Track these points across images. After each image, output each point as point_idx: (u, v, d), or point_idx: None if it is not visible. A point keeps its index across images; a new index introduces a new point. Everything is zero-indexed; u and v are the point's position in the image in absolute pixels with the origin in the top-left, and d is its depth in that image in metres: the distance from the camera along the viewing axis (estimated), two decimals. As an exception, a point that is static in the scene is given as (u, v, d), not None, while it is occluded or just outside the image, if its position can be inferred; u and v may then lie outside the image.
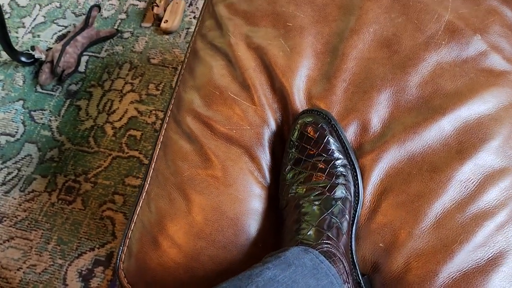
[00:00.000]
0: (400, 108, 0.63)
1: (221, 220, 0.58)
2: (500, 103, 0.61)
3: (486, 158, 0.58)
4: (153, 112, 1.15)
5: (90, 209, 1.04)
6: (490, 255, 0.54)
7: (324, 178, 0.57)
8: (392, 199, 0.58)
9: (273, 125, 0.64)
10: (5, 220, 1.05)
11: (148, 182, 0.63)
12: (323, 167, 0.57)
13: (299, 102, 0.65)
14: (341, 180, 0.57)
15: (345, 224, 0.55)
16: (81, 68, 1.23)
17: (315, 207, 0.55)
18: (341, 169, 0.58)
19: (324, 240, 0.53)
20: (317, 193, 0.56)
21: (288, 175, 0.60)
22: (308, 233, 0.53)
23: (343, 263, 0.52)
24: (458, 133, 0.60)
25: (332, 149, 0.59)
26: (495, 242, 0.55)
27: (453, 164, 0.58)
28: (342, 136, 0.60)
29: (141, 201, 0.62)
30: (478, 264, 0.54)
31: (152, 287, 0.57)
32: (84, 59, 1.24)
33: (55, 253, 1.00)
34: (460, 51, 0.66)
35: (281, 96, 0.65)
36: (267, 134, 0.64)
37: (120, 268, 0.59)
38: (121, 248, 0.60)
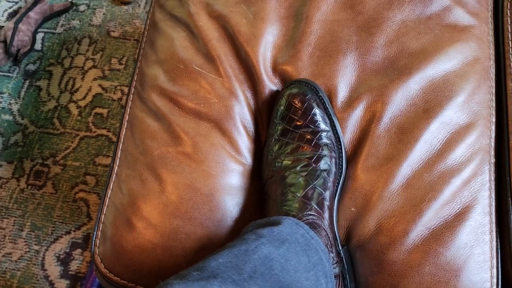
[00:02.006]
0: (366, 71, 0.63)
1: (195, 197, 0.58)
2: (465, 59, 0.62)
3: (452, 116, 0.59)
4: (118, 87, 1.11)
5: (62, 192, 1.02)
6: (457, 211, 0.56)
7: (310, 149, 0.57)
8: (362, 163, 0.59)
9: (241, 96, 0.63)
10: (-26, 210, 1.01)
11: (117, 164, 0.62)
12: (309, 138, 0.57)
13: (265, 71, 0.64)
14: (326, 151, 0.57)
15: (328, 195, 0.55)
16: (37, 46, 1.17)
17: (300, 179, 0.55)
18: (327, 141, 0.58)
19: (309, 212, 0.53)
20: (303, 164, 0.56)
21: (274, 146, 0.59)
22: (294, 205, 0.54)
23: (327, 234, 0.53)
24: (424, 92, 0.60)
25: (319, 121, 0.58)
26: (462, 198, 0.56)
27: (420, 124, 0.59)
28: (329, 108, 0.59)
29: (112, 184, 0.61)
30: (445, 220, 0.55)
31: (131, 270, 0.56)
32: (39, 36, 1.18)
33: (30, 240, 0.98)
34: (424, 8, 0.66)
35: (247, 66, 0.64)
36: (236, 106, 0.63)
37: (96, 253, 0.58)
38: (95, 233, 0.59)
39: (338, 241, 0.56)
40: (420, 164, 0.57)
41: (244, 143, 0.61)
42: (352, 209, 0.57)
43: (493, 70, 0.63)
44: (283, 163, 0.57)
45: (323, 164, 0.56)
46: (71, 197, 1.02)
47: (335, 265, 0.53)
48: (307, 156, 0.57)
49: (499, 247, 0.56)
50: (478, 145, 0.59)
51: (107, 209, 0.60)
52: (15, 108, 1.11)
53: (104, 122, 1.08)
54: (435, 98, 0.60)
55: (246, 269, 0.44)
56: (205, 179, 0.59)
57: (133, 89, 0.67)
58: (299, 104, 0.58)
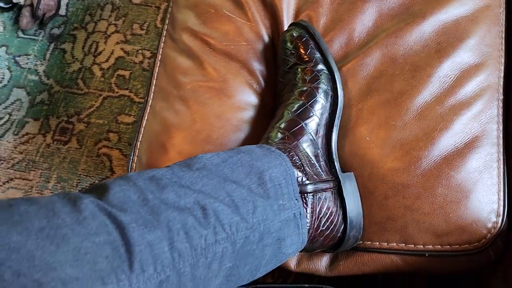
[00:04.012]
0: (383, 16, 0.67)
1: (226, 126, 0.63)
2: (476, 5, 0.66)
3: (463, 56, 0.64)
4: (140, 51, 1.16)
5: (86, 147, 1.07)
6: (466, 140, 0.60)
7: (303, 85, 0.61)
8: (377, 97, 0.63)
9: (266, 39, 0.68)
10: (2, 163, 1.07)
11: (152, 97, 0.67)
12: (304, 75, 0.62)
13: (287, 17, 0.68)
14: (319, 86, 0.61)
15: (312, 125, 0.59)
16: (62, 11, 1.22)
17: (285, 112, 0.60)
18: (320, 77, 0.62)
19: (284, 140, 0.58)
20: (293, 98, 0.61)
21: (278, 89, 0.65)
22: (271, 134, 0.59)
23: (299, 158, 0.57)
24: (437, 34, 0.65)
25: (314, 59, 0.63)
26: (471, 128, 0.61)
27: (433, 62, 0.63)
28: (323, 47, 0.64)
29: (147, 114, 0.66)
30: (457, 148, 0.60)
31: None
32: (64, 2, 1.22)
33: (56, 191, 1.03)
34: (438, -40, 0.70)
35: (272, 12, 0.69)
36: (262, 48, 0.67)
37: (133, 175, 0.63)
38: (132, 157, 0.64)
39: (337, 165, 0.60)
40: (432, 98, 0.62)
41: (268, 83, 0.66)
42: (367, 138, 0.62)
43: (503, 17, 0.68)
44: (282, 102, 0.62)
45: (311, 98, 0.60)
46: (95, 152, 1.07)
47: (306, 181, 0.56)
48: (297, 90, 0.61)
49: (506, 174, 0.61)
50: (487, 83, 0.63)
51: (143, 137, 0.65)
52: (40, 69, 1.16)
53: (126, 83, 1.13)
54: (447, 40, 0.65)
55: (195, 166, 0.50)
56: (234, 111, 0.64)
57: (165, 31, 0.71)
58: (297, 44, 0.63)
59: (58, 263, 0.37)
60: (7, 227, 0.37)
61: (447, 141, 0.60)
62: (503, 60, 0.65)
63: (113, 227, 0.41)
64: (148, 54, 1.15)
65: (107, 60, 1.15)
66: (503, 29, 0.67)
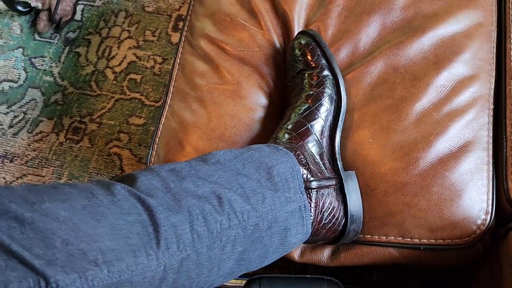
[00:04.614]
0: (386, 29, 0.73)
1: (238, 125, 0.68)
2: (471, 22, 0.72)
3: (458, 68, 0.70)
4: (151, 57, 1.21)
5: (97, 146, 1.12)
6: (460, 144, 0.66)
7: (309, 89, 0.66)
8: (380, 103, 0.69)
9: (278, 46, 0.74)
10: (16, 159, 1.11)
11: (170, 97, 0.72)
12: (311, 80, 0.67)
13: (298, 26, 0.74)
14: (324, 90, 0.66)
15: (317, 126, 0.64)
16: (77, 16, 1.27)
17: (292, 114, 0.65)
18: (326, 82, 0.67)
19: (291, 140, 0.63)
20: (300, 101, 0.66)
21: (287, 93, 0.69)
22: (279, 134, 0.64)
23: (304, 157, 0.62)
24: (435, 48, 0.71)
25: (320, 65, 0.68)
26: (464, 134, 0.66)
27: (431, 73, 0.69)
28: (328, 54, 0.69)
29: (165, 113, 0.71)
30: (451, 151, 0.65)
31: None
32: (79, 8, 1.28)
33: (68, 187, 1.07)
34: (437, -19, 0.76)
35: (284, 21, 0.75)
36: (273, 54, 0.73)
37: (152, 168, 0.68)
38: (151, 152, 0.69)
39: (339, 163, 0.65)
40: (430, 105, 0.67)
41: (277, 86, 0.72)
42: (370, 140, 0.67)
43: (495, 35, 0.74)
44: (290, 105, 0.68)
45: (316, 102, 0.65)
46: (106, 152, 1.11)
47: (310, 178, 0.61)
48: (304, 94, 0.66)
49: (494, 176, 0.66)
50: (479, 93, 0.69)
51: (161, 133, 0.70)
52: (55, 70, 1.21)
53: (137, 87, 1.18)
54: (444, 53, 0.70)
55: (211, 161, 0.56)
56: (247, 111, 0.69)
57: (183, 38, 0.77)
58: (304, 51, 0.68)
59: (98, 235, 0.42)
60: (56, 204, 0.42)
61: (443, 145, 0.65)
62: (493, 73, 0.71)
63: (142, 209, 0.46)
64: (159, 59, 1.21)
65: (119, 64, 1.21)
66: (494, 45, 0.73)
